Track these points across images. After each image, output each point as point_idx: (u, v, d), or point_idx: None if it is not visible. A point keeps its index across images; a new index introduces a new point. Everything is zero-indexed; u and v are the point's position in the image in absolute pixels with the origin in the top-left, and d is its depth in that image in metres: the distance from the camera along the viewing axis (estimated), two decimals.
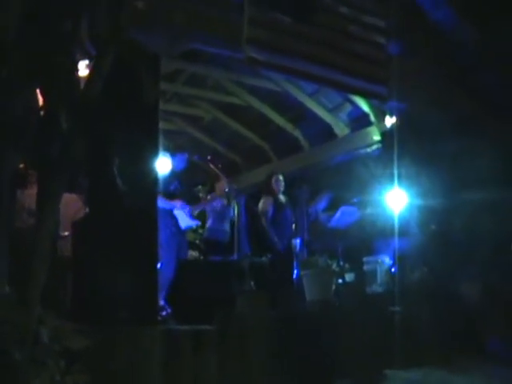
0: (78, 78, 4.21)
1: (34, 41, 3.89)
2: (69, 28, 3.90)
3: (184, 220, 7.82)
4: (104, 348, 4.58)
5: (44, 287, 3.78)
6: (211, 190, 9.29)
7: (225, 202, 8.94)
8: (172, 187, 7.85)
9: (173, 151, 7.95)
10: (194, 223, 8.15)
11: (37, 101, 4.07)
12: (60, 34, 3.90)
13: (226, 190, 8.87)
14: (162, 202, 7.07)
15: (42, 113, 3.99)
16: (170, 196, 7.69)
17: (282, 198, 8.90)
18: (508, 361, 6.23)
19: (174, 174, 7.90)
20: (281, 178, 8.85)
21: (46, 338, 3.73)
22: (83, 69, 4.54)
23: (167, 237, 7.35)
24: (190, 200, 8.21)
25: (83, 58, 4.48)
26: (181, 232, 7.83)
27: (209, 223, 9.26)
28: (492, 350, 6.54)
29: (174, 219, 7.72)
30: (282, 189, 8.83)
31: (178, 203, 7.72)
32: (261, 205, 8.80)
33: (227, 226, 9.28)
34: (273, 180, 8.81)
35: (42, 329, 3.74)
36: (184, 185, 8.12)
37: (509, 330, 6.77)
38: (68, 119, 3.87)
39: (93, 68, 4.15)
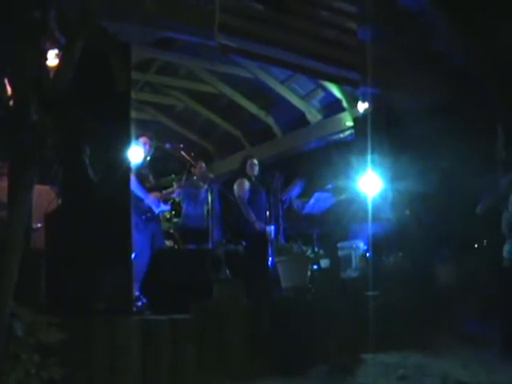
0: (48, 68, 4.13)
1: (1, 30, 3.82)
2: (37, 16, 3.84)
3: (157, 205, 7.78)
4: (80, 340, 4.56)
5: (17, 280, 3.74)
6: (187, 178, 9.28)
7: (201, 184, 8.93)
8: (144, 172, 7.80)
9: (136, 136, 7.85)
10: (166, 208, 8.14)
11: (5, 91, 4.00)
12: (28, 23, 3.83)
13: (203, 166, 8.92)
14: (135, 186, 7.06)
15: (11, 103, 3.91)
16: (143, 180, 7.64)
17: (256, 182, 8.86)
18: (483, 343, 6.31)
19: (145, 161, 7.85)
20: (255, 162, 8.79)
21: (20, 331, 3.69)
22: (53, 58, 4.47)
23: (141, 223, 7.33)
24: (159, 187, 8.19)
25: (53, 47, 4.40)
26: (155, 218, 7.78)
27: (184, 209, 9.26)
28: (468, 333, 6.62)
29: (146, 206, 7.68)
30: (256, 173, 8.77)
31: (151, 198, 7.66)
32: (236, 187, 8.69)
33: (202, 211, 9.29)
34: (247, 164, 8.75)
35: (15, 322, 3.69)
36: (154, 173, 8.07)
37: (484, 313, 6.85)
38: (38, 109, 3.81)
39: (62, 57, 4.09)
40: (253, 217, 8.43)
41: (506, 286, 6.55)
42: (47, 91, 3.88)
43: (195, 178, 8.99)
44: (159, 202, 7.79)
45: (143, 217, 7.47)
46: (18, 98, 3.90)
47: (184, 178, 9.07)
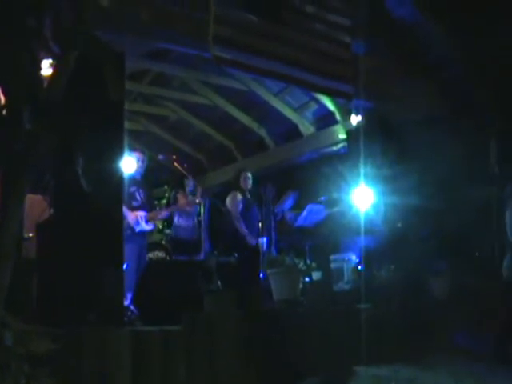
0: (42, 77, 4.13)
1: None
2: (32, 25, 3.84)
3: (138, 223, 7.74)
4: (70, 351, 4.52)
5: (8, 289, 3.71)
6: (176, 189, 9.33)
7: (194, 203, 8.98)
8: (131, 190, 7.77)
9: (131, 150, 7.84)
10: (149, 228, 8.05)
11: None
12: (23, 32, 3.83)
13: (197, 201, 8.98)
14: None
15: (4, 112, 3.91)
16: (128, 203, 7.59)
17: (249, 195, 8.91)
18: (477, 356, 6.31)
19: (134, 177, 7.83)
20: (249, 175, 8.86)
21: (10, 341, 3.66)
22: (47, 67, 4.47)
23: (125, 238, 7.30)
24: (148, 205, 8.14)
25: (47, 57, 4.40)
26: (136, 234, 7.74)
27: (176, 221, 9.27)
28: (461, 346, 6.61)
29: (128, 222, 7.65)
30: (249, 187, 8.83)
31: (131, 216, 7.63)
32: (229, 200, 8.79)
33: (194, 222, 9.31)
34: (241, 178, 8.81)
35: (5, 332, 3.67)
36: (143, 188, 8.02)
37: (477, 326, 6.84)
38: (31, 118, 3.81)
39: (56, 66, 4.09)
40: (244, 230, 8.52)
41: (505, 299, 6.57)
42: (41, 100, 3.88)
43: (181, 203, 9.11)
44: (140, 220, 7.75)
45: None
46: (12, 106, 3.89)
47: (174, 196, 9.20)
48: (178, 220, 9.32)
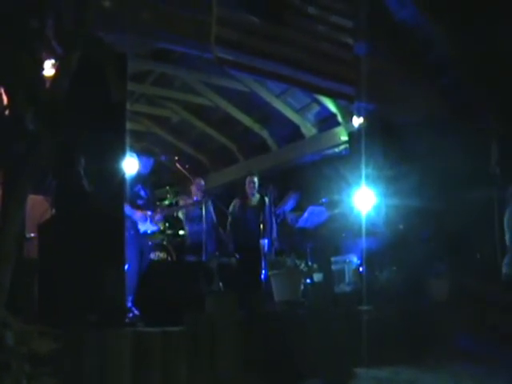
0: (44, 77, 4.14)
1: None
2: (34, 26, 3.85)
3: (143, 224, 7.73)
4: (72, 351, 4.53)
5: (9, 289, 3.72)
6: (181, 192, 9.35)
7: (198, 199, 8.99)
8: (136, 189, 7.76)
9: (139, 153, 7.86)
10: (153, 228, 8.05)
11: (1, 100, 4.01)
12: (25, 32, 3.84)
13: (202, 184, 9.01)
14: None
15: (6, 112, 3.92)
16: (132, 202, 7.58)
17: (253, 199, 8.98)
18: (476, 358, 6.30)
19: (139, 176, 7.82)
20: (254, 179, 8.98)
21: (11, 340, 3.67)
22: (49, 68, 4.47)
23: (127, 239, 7.28)
24: (153, 204, 8.13)
25: (49, 57, 4.41)
26: (140, 235, 7.73)
27: (189, 227, 9.29)
28: (461, 348, 6.60)
29: (133, 222, 7.62)
30: (254, 191, 8.94)
31: (138, 214, 7.62)
32: (231, 206, 9.06)
33: (197, 228, 9.31)
34: (246, 182, 8.94)
35: (7, 331, 3.67)
36: (148, 187, 8.02)
37: (477, 328, 6.84)
38: (34, 119, 3.81)
39: (59, 67, 4.10)
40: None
41: (503, 299, 6.57)
42: (43, 101, 3.89)
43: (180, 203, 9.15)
44: (147, 218, 7.74)
45: (126, 233, 7.41)
46: (14, 107, 3.89)
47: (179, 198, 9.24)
48: (187, 227, 9.38)
